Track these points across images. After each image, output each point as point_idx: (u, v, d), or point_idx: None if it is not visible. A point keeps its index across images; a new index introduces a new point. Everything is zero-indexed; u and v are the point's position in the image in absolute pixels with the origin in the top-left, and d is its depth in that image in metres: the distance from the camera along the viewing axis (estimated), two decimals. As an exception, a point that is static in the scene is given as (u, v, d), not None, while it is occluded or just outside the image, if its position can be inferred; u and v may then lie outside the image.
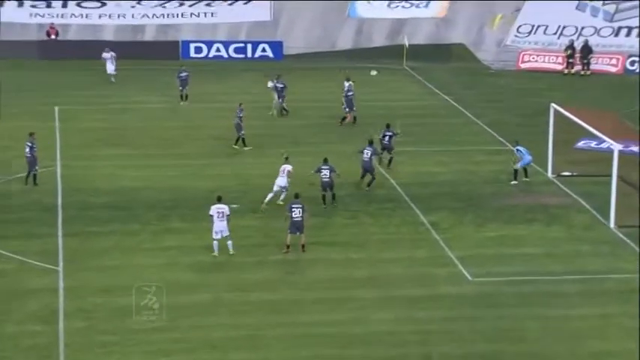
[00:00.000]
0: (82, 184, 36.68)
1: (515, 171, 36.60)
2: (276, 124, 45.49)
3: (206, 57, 60.52)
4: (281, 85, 46.33)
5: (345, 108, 44.10)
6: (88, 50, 58.18)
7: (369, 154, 35.58)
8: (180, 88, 48.64)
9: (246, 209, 34.26)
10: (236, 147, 40.86)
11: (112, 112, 47.34)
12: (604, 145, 37.23)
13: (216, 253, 30.20)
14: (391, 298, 27.54)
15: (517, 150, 36.74)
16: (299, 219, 30.59)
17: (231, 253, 30.29)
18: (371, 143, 35.92)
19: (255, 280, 28.60)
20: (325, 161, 34.42)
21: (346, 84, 44.87)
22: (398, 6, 62.68)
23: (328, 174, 34.20)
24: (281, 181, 34.25)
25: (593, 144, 40.07)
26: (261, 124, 45.24)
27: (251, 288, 28.01)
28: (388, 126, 38.46)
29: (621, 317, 26.42)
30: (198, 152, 40.97)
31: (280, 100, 46.18)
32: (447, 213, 33.92)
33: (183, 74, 48.85)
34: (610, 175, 32.95)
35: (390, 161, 38.15)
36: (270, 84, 46.49)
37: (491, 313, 26.62)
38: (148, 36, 62.52)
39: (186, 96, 48.16)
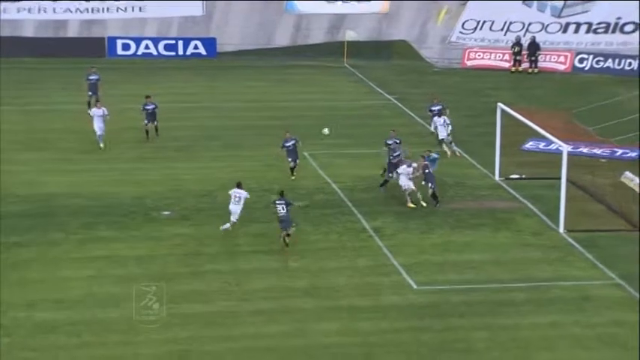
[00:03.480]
0: (0, 190, 36.22)
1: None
2: (209, 125, 45.45)
3: (134, 55, 60.32)
4: (152, 106, 42.36)
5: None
6: (5, 48, 57.62)
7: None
8: (90, 93, 46.22)
9: (178, 216, 34.22)
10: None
11: (31, 114, 46.91)
12: (553, 147, 37.80)
13: (227, 225, 32.31)
14: (333, 308, 27.69)
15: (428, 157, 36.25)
16: (284, 215, 31.24)
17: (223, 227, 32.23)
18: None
19: (189, 291, 28.54)
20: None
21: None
22: (338, 0, 63.01)
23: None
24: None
25: (541, 145, 40.67)
26: (192, 125, 45.24)
27: (184, 300, 27.95)
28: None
29: (572, 326, 26.84)
30: (125, 156, 40.81)
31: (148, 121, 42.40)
32: (391, 218, 34.19)
33: (93, 77, 46.77)
34: (559, 178, 33.46)
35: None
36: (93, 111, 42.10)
37: (437, 324, 26.87)
38: (71, 32, 62.05)
39: (97, 101, 44.01)
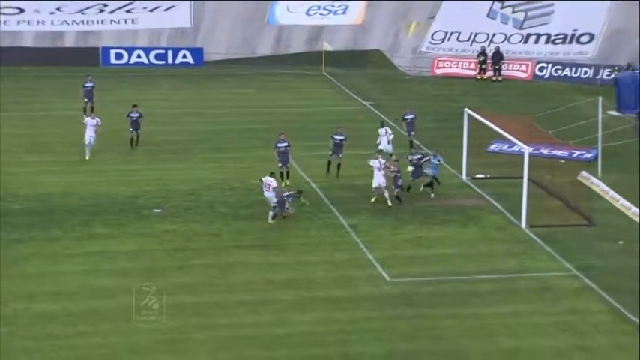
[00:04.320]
0: (2, 190, 35.98)
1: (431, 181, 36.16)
2: (197, 129, 45.28)
3: (127, 63, 60.01)
4: (136, 115, 41.35)
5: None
6: (6, 57, 57.28)
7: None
8: (86, 100, 45.74)
9: (167, 214, 34.07)
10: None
11: (32, 119, 46.60)
12: (515, 149, 37.87)
13: (271, 214, 33.07)
14: (312, 299, 27.62)
15: (430, 159, 36.25)
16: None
17: (269, 222, 32.74)
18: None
19: (177, 284, 28.40)
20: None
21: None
22: (316, 13, 62.95)
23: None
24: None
25: (504, 147, 40.72)
26: (181, 130, 45.06)
27: (173, 291, 27.80)
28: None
29: (533, 315, 26.89)
30: (118, 159, 40.57)
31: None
32: (366, 216, 34.15)
33: (89, 84, 46.19)
34: (521, 178, 33.50)
35: (338, 167, 37.92)
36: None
37: (409, 313, 26.86)
38: (68, 43, 61.73)
39: (92, 108, 44.14)
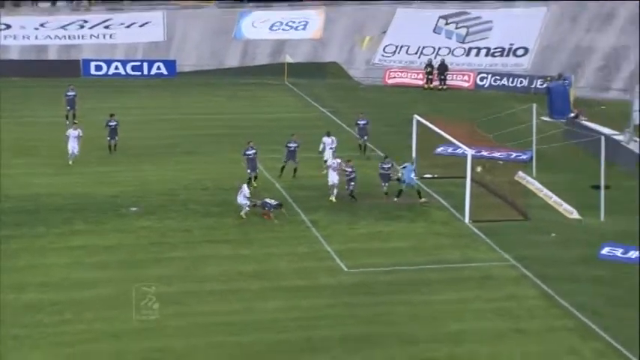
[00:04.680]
0: (-7, 191, 35.65)
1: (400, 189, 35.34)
2: (171, 135, 45.07)
3: (105, 74, 59.62)
4: (114, 123, 40.58)
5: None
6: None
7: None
8: (68, 107, 45.25)
9: (143, 211, 33.89)
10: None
11: (20, 125, 46.08)
12: (459, 151, 38.10)
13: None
14: (277, 288, 27.62)
15: (403, 167, 35.66)
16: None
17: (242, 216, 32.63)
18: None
19: (154, 275, 28.25)
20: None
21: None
22: (279, 29, 62.96)
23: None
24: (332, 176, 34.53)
25: (450, 150, 40.95)
26: (156, 135, 44.85)
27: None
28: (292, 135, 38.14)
29: (476, 301, 27.07)
30: (99, 161, 40.26)
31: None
32: (325, 212, 34.18)
33: (71, 93, 45.67)
34: (464, 177, 33.72)
35: (294, 171, 37.81)
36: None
37: (365, 300, 26.94)
38: (52, 55, 61.27)
39: (74, 115, 43.81)
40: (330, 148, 38.42)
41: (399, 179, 35.25)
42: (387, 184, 35.41)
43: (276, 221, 32.71)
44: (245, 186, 33.43)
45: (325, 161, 37.82)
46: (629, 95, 46.69)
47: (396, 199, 35.03)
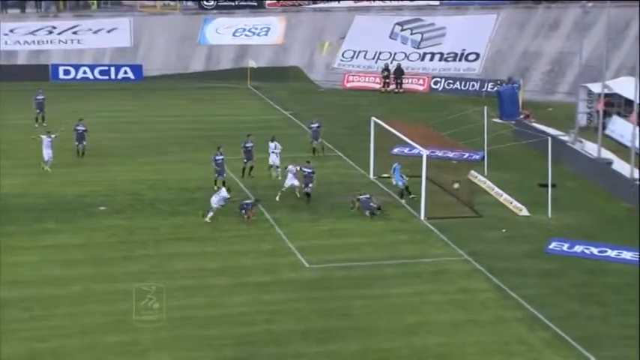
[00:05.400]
0: (-37, 192, 35.10)
1: (403, 189, 35.15)
2: (138, 137, 44.76)
3: (74, 79, 59.06)
4: (82, 128, 39.98)
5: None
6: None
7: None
8: (37, 110, 44.84)
9: (112, 210, 33.62)
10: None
11: (-10, 128, 45.49)
12: (415, 151, 38.23)
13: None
14: (241, 284, 27.55)
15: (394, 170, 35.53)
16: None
17: (207, 220, 32.21)
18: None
19: (123, 272, 28.05)
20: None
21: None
22: (242, 34, 62.81)
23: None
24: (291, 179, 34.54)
25: (406, 150, 41.06)
26: (124, 137, 44.49)
27: (119, 279, 27.47)
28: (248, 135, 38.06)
29: (432, 294, 27.22)
30: (68, 162, 39.81)
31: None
32: (287, 211, 34.14)
33: (40, 97, 45.18)
34: (420, 176, 33.87)
35: (250, 169, 37.65)
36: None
37: (325, 294, 26.97)
38: (21, 60, 60.62)
39: (43, 118, 43.73)
40: (273, 152, 37.95)
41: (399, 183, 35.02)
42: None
43: (254, 216, 32.51)
44: (224, 189, 33.21)
45: (271, 166, 37.54)
46: (574, 98, 47.24)
47: (402, 200, 34.85)
